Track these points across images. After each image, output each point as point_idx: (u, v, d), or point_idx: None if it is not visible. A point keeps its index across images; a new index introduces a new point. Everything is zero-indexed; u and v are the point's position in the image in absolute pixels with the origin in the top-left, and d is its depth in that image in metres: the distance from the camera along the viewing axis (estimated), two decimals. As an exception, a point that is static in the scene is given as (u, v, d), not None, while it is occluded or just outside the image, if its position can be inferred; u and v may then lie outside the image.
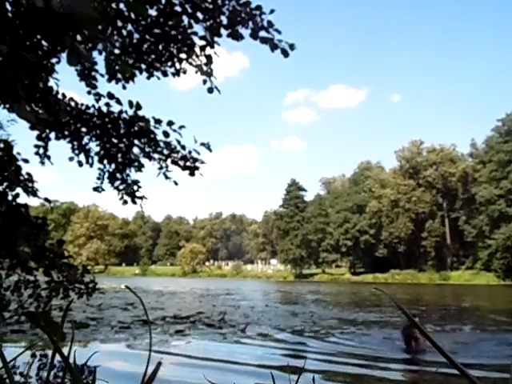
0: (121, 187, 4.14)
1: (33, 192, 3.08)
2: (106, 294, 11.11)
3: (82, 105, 3.93)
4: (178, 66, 3.84)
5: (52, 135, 3.83)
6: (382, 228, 60.09)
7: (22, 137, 4.30)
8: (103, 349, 4.69)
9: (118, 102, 3.84)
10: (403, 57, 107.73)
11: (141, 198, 4.17)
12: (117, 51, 3.51)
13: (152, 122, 3.88)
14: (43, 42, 2.26)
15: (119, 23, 3.40)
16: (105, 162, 4.07)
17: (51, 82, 3.39)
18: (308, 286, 31.20)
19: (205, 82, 3.75)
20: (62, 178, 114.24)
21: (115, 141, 3.98)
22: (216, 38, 3.61)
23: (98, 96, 3.85)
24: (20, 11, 1.65)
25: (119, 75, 3.62)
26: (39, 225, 3.37)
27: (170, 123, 3.82)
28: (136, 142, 3.99)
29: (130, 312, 8.85)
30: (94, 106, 3.91)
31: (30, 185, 3.08)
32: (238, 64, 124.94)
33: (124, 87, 3.77)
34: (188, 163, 4.03)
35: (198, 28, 3.58)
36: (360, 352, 4.64)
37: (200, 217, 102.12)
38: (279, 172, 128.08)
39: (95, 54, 3.25)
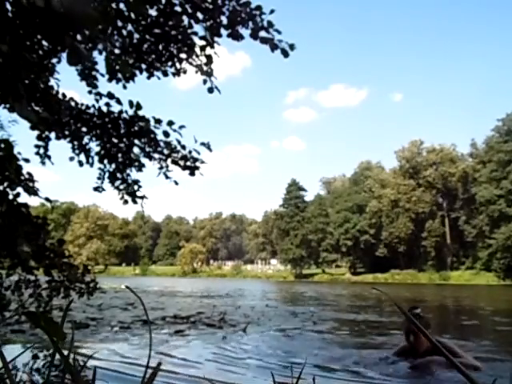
0: (121, 187, 4.14)
1: (33, 192, 3.09)
2: (106, 293, 11.11)
3: (83, 105, 3.94)
4: (178, 65, 3.85)
5: (52, 135, 3.84)
6: (382, 228, 60.09)
7: (23, 137, 4.30)
8: (103, 349, 4.69)
9: (119, 101, 3.85)
10: (404, 56, 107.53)
11: (141, 197, 4.18)
12: (117, 51, 3.51)
13: (152, 122, 3.88)
14: (43, 42, 2.26)
15: (119, 23, 3.40)
16: (105, 161, 4.08)
17: (52, 82, 3.41)
18: (308, 286, 31.19)
19: (205, 81, 3.76)
20: (62, 178, 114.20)
21: (115, 141, 3.98)
22: (216, 38, 3.62)
23: (99, 96, 3.86)
24: (20, 11, 1.65)
25: (119, 75, 3.63)
26: (39, 224, 3.37)
27: (170, 123, 3.82)
28: (136, 141, 4.00)
29: (130, 312, 8.85)
30: (94, 105, 3.92)
31: (31, 184, 3.08)
32: (240, 63, 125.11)
33: (124, 87, 3.77)
34: (188, 163, 4.04)
35: (198, 28, 3.59)
36: (360, 352, 4.64)
37: (200, 217, 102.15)
38: (279, 172, 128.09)
39: (95, 53, 3.27)
